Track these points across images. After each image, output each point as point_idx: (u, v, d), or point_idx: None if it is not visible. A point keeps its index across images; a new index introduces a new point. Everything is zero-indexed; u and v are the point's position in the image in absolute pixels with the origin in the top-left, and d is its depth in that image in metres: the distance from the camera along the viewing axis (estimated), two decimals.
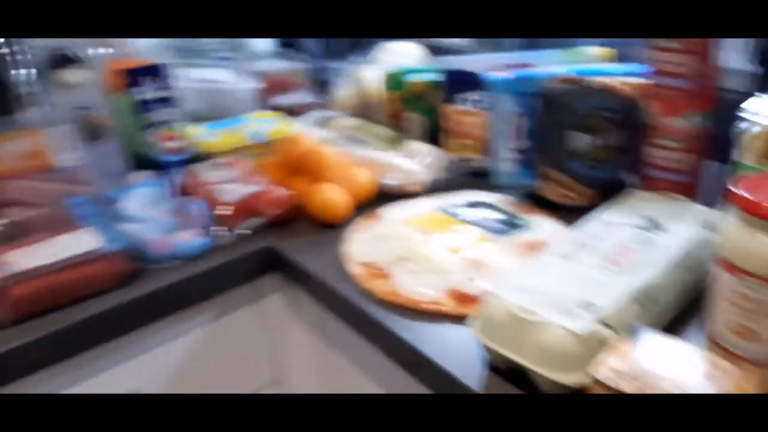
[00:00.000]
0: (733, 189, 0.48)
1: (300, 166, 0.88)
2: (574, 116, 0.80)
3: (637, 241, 0.61)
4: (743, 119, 0.58)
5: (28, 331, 0.68)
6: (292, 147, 0.90)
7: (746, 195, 0.47)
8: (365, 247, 0.76)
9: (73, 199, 0.83)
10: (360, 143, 0.98)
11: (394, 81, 1.04)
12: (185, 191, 0.88)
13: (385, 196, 0.88)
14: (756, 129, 0.55)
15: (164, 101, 0.92)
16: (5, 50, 0.80)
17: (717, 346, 0.52)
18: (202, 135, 0.99)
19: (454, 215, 0.80)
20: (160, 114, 0.92)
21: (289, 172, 0.90)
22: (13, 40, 0.80)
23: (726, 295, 0.50)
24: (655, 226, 0.63)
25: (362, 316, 0.68)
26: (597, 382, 0.46)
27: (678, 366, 0.46)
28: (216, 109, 1.08)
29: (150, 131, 0.93)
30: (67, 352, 0.71)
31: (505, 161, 0.89)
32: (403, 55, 1.19)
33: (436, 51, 1.19)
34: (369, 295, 0.69)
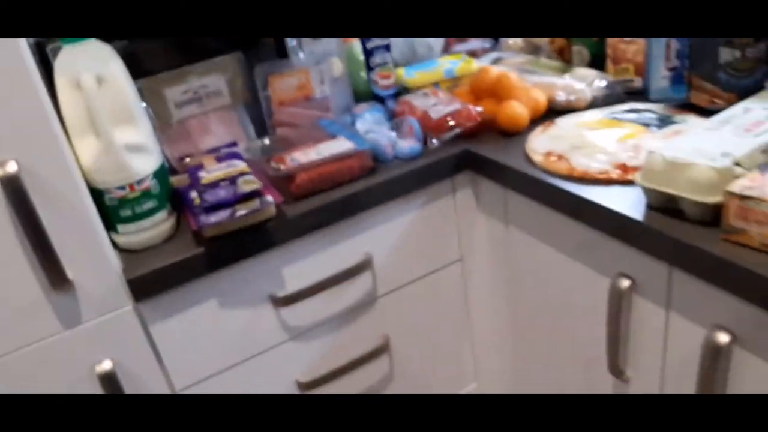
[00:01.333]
0: None
1: (488, 90, 1.13)
2: None
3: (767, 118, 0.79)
4: None
5: (307, 204, 0.99)
6: (482, 75, 1.14)
7: None
8: (545, 142, 0.99)
9: (324, 121, 1.14)
10: (532, 73, 1.21)
11: None
12: (400, 114, 1.16)
13: (557, 111, 1.11)
14: None
15: (384, 48, 1.20)
16: None
17: None
18: (405, 74, 1.27)
19: (617, 118, 1.00)
20: (380, 58, 1.21)
21: (479, 96, 1.15)
22: None
23: None
24: None
25: (547, 188, 0.91)
26: (731, 194, 0.67)
27: None
28: (413, 55, 1.36)
29: (372, 72, 1.22)
30: (331, 220, 1.01)
31: (661, 79, 1.07)
32: None
33: None
34: (551, 173, 0.92)
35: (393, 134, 1.10)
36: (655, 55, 1.07)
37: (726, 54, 0.97)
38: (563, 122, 1.04)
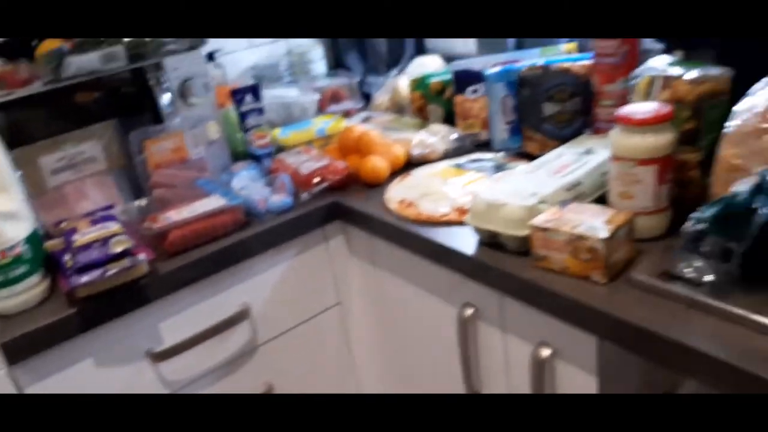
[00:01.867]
0: (617, 113, 0.80)
1: (353, 147, 1.23)
2: (543, 92, 1.12)
3: (575, 161, 0.93)
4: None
5: (182, 260, 1.04)
6: (347, 134, 1.25)
7: (623, 113, 0.79)
8: (400, 191, 1.10)
9: (201, 181, 1.21)
10: (395, 130, 1.33)
11: (419, 84, 1.39)
12: (274, 171, 1.25)
13: (415, 163, 1.23)
14: (641, 77, 0.87)
15: (257, 111, 1.30)
16: (154, 81, 1.20)
17: (613, 206, 0.83)
18: (280, 134, 1.36)
19: (462, 167, 1.13)
20: (254, 120, 1.30)
21: (346, 152, 1.25)
22: (159, 73, 1.19)
23: (614, 176, 0.81)
24: (588, 152, 0.95)
25: (400, 232, 1.02)
26: (534, 227, 0.79)
27: (583, 215, 0.78)
28: (289, 116, 1.46)
29: (247, 133, 1.30)
30: (206, 273, 1.07)
31: (501, 131, 1.22)
32: (426, 66, 1.54)
33: (449, 59, 1.54)
34: (403, 218, 1.03)
35: (266, 190, 1.18)
36: (494, 111, 1.22)
37: (549, 108, 1.13)
38: (418, 173, 1.16)
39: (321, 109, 1.54)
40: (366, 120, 1.45)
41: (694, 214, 0.65)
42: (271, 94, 1.49)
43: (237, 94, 1.28)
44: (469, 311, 0.96)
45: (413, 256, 1.03)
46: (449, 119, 1.35)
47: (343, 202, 1.15)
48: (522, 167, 1.00)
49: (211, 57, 1.47)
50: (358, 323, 1.29)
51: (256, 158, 1.31)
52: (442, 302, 1.04)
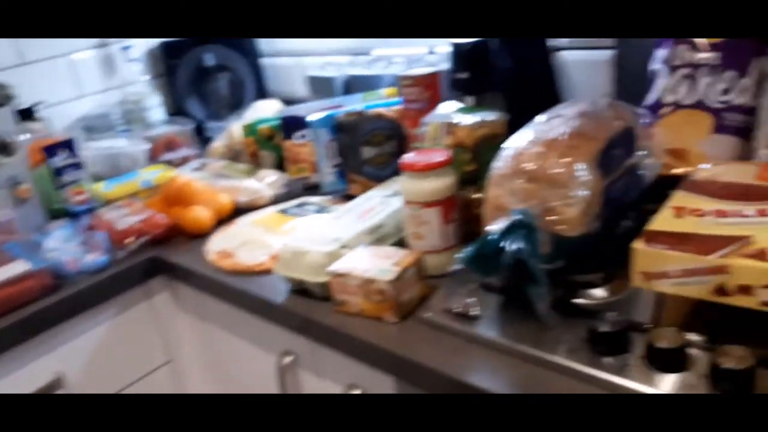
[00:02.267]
0: (402, 160, 0.84)
1: (175, 197, 1.21)
2: (361, 137, 1.16)
3: (381, 203, 0.97)
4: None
5: None
6: (169, 184, 1.22)
7: (406, 160, 0.83)
8: (221, 242, 1.08)
9: (8, 244, 1.13)
10: (225, 177, 1.32)
11: (250, 129, 1.39)
12: (92, 228, 1.19)
13: (242, 210, 1.22)
14: (430, 124, 0.92)
15: (74, 166, 1.24)
16: None
17: (410, 246, 0.86)
18: (104, 188, 1.31)
19: (285, 212, 1.14)
20: (71, 176, 1.24)
21: (170, 203, 1.22)
22: None
23: (406, 218, 0.85)
24: (395, 194, 0.99)
25: (217, 284, 1.00)
26: (330, 273, 0.80)
27: (374, 256, 0.80)
28: (116, 168, 1.41)
29: (63, 189, 1.24)
30: (12, 343, 0.99)
31: (328, 174, 1.25)
32: (263, 110, 1.55)
33: (289, 102, 1.55)
34: (222, 270, 1.01)
35: (80, 249, 1.12)
36: (320, 155, 1.24)
37: (367, 152, 1.16)
38: (242, 221, 1.15)
39: (154, 158, 1.50)
40: (200, 167, 1.42)
41: (458, 254, 0.69)
42: (97, 146, 1.43)
43: (50, 150, 1.22)
44: (288, 359, 0.95)
45: (233, 307, 1.01)
46: (281, 164, 1.36)
47: (164, 257, 1.12)
48: (334, 212, 1.02)
49: (28, 112, 1.40)
50: (192, 379, 1.24)
51: (74, 215, 1.24)
52: (263, 352, 1.03)
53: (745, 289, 0.59)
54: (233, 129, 1.49)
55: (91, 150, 1.43)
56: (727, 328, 0.64)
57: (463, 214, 0.88)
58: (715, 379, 0.58)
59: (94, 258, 1.10)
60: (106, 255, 1.11)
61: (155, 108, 1.69)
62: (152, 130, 1.60)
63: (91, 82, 1.65)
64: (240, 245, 1.05)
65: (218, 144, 1.50)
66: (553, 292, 0.74)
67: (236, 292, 0.97)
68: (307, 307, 0.86)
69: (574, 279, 0.77)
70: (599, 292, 0.75)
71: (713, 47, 0.86)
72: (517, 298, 0.73)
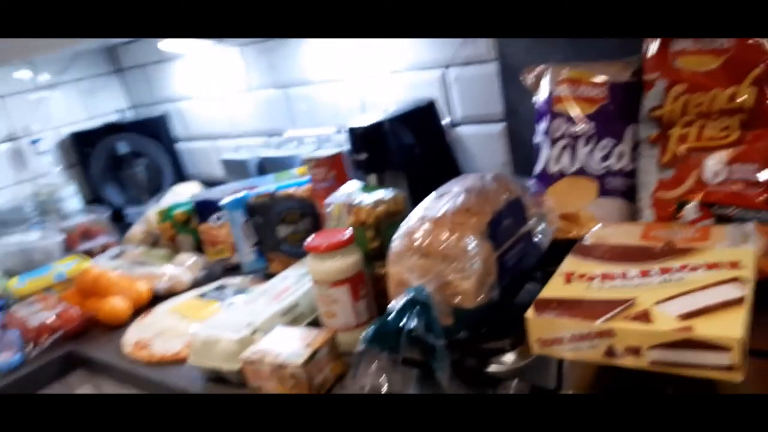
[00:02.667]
0: (306, 242, 0.86)
1: (90, 289, 1.18)
2: (275, 216, 1.18)
3: (296, 282, 0.98)
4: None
5: None
6: (83, 276, 1.20)
7: (310, 243, 0.85)
8: (137, 332, 1.07)
9: None
10: (143, 264, 1.31)
11: (165, 214, 1.39)
12: (4, 326, 1.15)
13: (161, 297, 1.20)
14: (333, 204, 0.95)
15: None
16: None
17: (324, 325, 0.87)
18: (16, 284, 1.27)
19: (204, 297, 1.13)
20: None
21: (86, 295, 1.20)
22: None
23: (317, 297, 0.86)
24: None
25: (132, 377, 0.98)
26: (243, 361, 0.80)
27: (287, 339, 0.81)
28: (29, 262, 1.37)
29: None
30: None
31: (247, 254, 1.25)
32: (181, 193, 1.55)
33: (210, 184, 1.57)
34: (137, 361, 0.99)
35: None
36: (237, 236, 1.25)
37: (283, 230, 1.18)
38: (159, 309, 1.14)
39: (71, 248, 1.47)
40: (118, 255, 1.40)
41: (363, 334, 0.71)
42: (8, 242, 1.40)
43: None
44: None
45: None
46: (200, 247, 1.35)
47: (80, 351, 1.09)
48: (248, 295, 1.02)
49: None
50: None
51: None
52: None
53: (634, 351, 0.62)
54: (150, 214, 1.48)
55: (2, 246, 1.40)
56: (628, 388, 0.67)
57: (375, 289, 0.90)
58: None
59: (7, 357, 1.06)
60: (19, 353, 1.07)
61: (71, 197, 1.67)
62: (68, 220, 1.57)
63: (1, 176, 1.62)
64: (156, 335, 1.03)
65: (136, 230, 1.49)
66: (462, 361, 0.76)
67: (153, 384, 0.95)
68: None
69: (484, 347, 0.80)
70: (509, 358, 0.78)
71: (587, 118, 0.93)
72: (429, 372, 0.75)
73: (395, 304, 0.70)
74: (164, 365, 0.97)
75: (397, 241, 0.76)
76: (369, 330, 0.69)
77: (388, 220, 0.89)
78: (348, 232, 0.85)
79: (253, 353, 0.81)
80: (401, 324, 0.67)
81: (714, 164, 0.86)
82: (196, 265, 1.28)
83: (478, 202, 0.75)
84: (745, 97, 0.81)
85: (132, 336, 1.06)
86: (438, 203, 0.77)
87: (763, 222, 0.84)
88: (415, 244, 0.73)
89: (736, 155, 0.85)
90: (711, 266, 0.70)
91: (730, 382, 0.58)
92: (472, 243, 0.72)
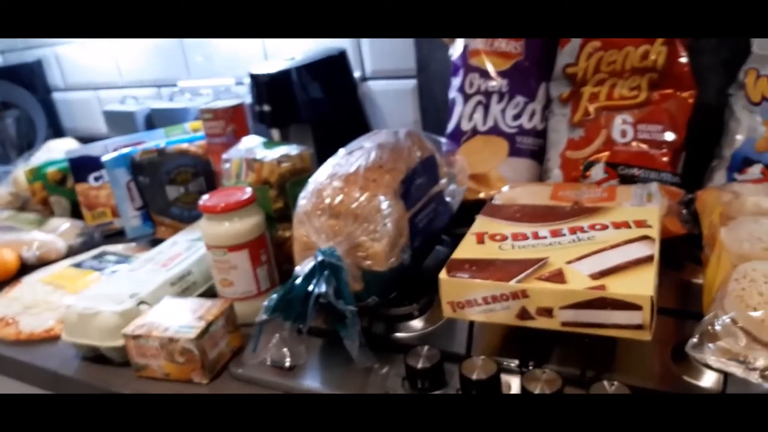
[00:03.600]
0: (201, 202, 0.77)
1: None
2: (164, 175, 1.07)
3: (186, 249, 0.89)
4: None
5: None
6: None
7: (205, 202, 0.77)
8: (2, 307, 0.93)
9: None
10: (9, 230, 1.15)
11: (36, 173, 1.23)
12: None
13: (31, 267, 1.07)
14: (232, 160, 0.87)
15: None
16: None
17: (219, 294, 0.79)
18: None
19: (80, 266, 1.01)
20: None
21: None
22: None
23: (212, 264, 0.78)
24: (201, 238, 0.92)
25: None
26: (126, 336, 0.71)
27: (177, 311, 0.73)
28: None
29: None
30: None
31: (131, 219, 1.13)
32: (56, 150, 1.39)
33: (86, 140, 1.41)
34: (1, 340, 0.87)
35: None
36: (120, 198, 1.13)
37: (172, 191, 1.08)
38: (29, 279, 1.01)
39: None
40: None
41: (264, 302, 0.65)
42: None
43: None
44: None
45: (23, 384, 0.87)
46: (77, 211, 1.21)
47: None
48: (132, 262, 0.92)
49: None
50: None
51: None
52: None
53: (546, 311, 0.60)
54: (18, 174, 1.31)
55: None
56: (539, 350, 0.65)
57: (277, 254, 0.83)
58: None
59: None
60: None
61: None
62: None
63: None
64: (24, 310, 0.91)
65: (1, 192, 1.32)
66: (370, 328, 0.72)
67: (20, 366, 0.83)
68: (103, 376, 0.76)
69: (392, 312, 0.75)
70: (417, 324, 0.75)
71: (501, 74, 0.90)
72: (335, 342, 0.70)
73: (302, 268, 0.64)
74: (33, 344, 0.85)
75: (304, 201, 0.69)
76: (272, 297, 0.63)
77: (293, 179, 0.82)
78: (248, 191, 0.77)
79: (137, 327, 0.72)
80: (309, 289, 0.61)
81: (622, 124, 0.86)
82: (72, 231, 1.14)
83: (391, 158, 0.70)
84: (657, 55, 0.81)
85: None
86: (349, 159, 0.71)
87: (666, 182, 0.85)
88: (325, 202, 0.67)
89: (643, 116, 0.85)
90: (619, 225, 0.69)
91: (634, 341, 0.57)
92: (384, 202, 0.67)
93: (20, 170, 1.31)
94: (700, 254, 0.79)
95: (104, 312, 0.75)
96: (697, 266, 0.79)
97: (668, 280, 0.74)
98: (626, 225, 0.69)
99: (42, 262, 1.08)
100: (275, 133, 1.00)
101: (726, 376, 0.56)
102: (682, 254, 0.80)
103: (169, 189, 1.07)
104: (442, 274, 0.63)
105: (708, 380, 0.60)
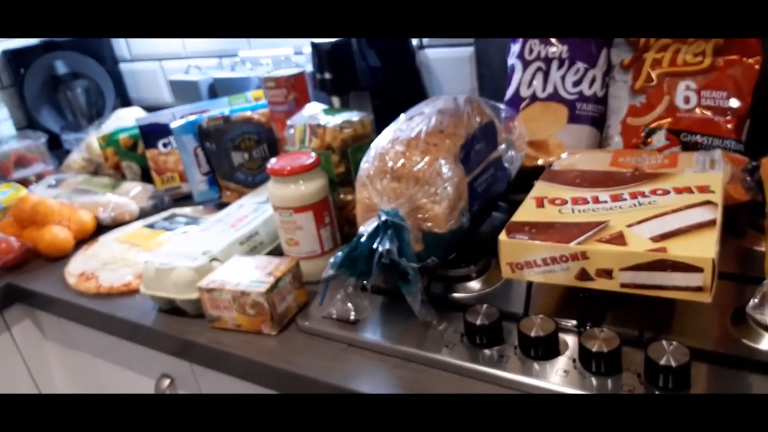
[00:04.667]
0: (269, 164, 0.81)
1: (29, 218, 1.10)
2: (229, 142, 1.11)
3: (253, 211, 0.93)
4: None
5: None
6: (21, 205, 1.11)
7: (273, 165, 0.80)
8: (81, 263, 1.00)
9: None
10: (85, 193, 1.22)
11: (109, 140, 1.30)
12: None
13: (105, 227, 1.14)
14: (296, 126, 0.90)
15: None
16: None
17: (286, 253, 0.83)
18: None
19: (153, 227, 1.07)
20: None
21: (23, 225, 1.11)
22: None
23: (279, 225, 0.82)
24: (267, 201, 0.96)
25: (79, 310, 0.92)
26: (201, 289, 0.76)
27: (246, 268, 0.77)
28: None
29: None
30: None
31: (198, 183, 1.19)
32: (124, 118, 1.46)
33: (152, 109, 1.47)
34: (83, 293, 0.93)
35: None
36: (188, 163, 1.18)
37: (237, 157, 1.12)
38: (105, 239, 1.07)
39: (4, 177, 1.37)
40: (56, 183, 1.31)
41: (330, 259, 0.68)
42: None
43: None
44: (166, 382, 0.90)
45: (104, 334, 0.94)
46: (147, 175, 1.28)
47: (19, 283, 1.02)
48: (202, 223, 0.97)
49: None
50: None
51: None
52: (139, 376, 0.96)
53: (606, 273, 0.62)
54: (92, 140, 1.38)
55: None
56: (597, 312, 0.67)
57: (339, 216, 0.87)
58: (585, 362, 0.60)
59: None
60: None
61: (4, 122, 1.54)
62: (0, 146, 1.45)
63: None
64: (103, 266, 0.97)
65: (76, 157, 1.40)
66: (429, 288, 0.74)
67: (101, 317, 0.89)
68: (179, 326, 0.81)
69: (450, 273, 0.78)
70: (475, 285, 0.77)
71: (561, 41, 0.90)
72: (395, 299, 0.73)
73: (366, 227, 0.67)
74: (112, 297, 0.91)
75: (366, 164, 0.72)
76: (337, 255, 0.66)
77: (354, 144, 0.84)
78: (313, 156, 0.81)
79: (210, 281, 0.76)
80: (373, 248, 0.64)
81: (685, 90, 0.85)
82: (143, 194, 1.20)
83: (451, 123, 0.72)
84: None
85: (76, 267, 1.00)
86: (410, 125, 0.73)
87: (729, 149, 0.84)
88: (387, 166, 0.69)
89: (708, 82, 0.84)
90: (681, 190, 0.69)
91: (692, 302, 0.58)
92: (445, 166, 0.69)
93: (93, 137, 1.38)
94: (762, 222, 0.78)
95: (180, 267, 0.80)
96: (759, 234, 0.78)
97: (729, 247, 0.74)
98: (688, 190, 0.69)
99: (116, 223, 1.14)
100: (335, 101, 1.03)
101: None
102: (744, 221, 0.80)
103: (234, 155, 1.12)
104: (502, 236, 0.65)
105: (767, 343, 0.60)
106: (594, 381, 0.59)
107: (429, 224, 0.70)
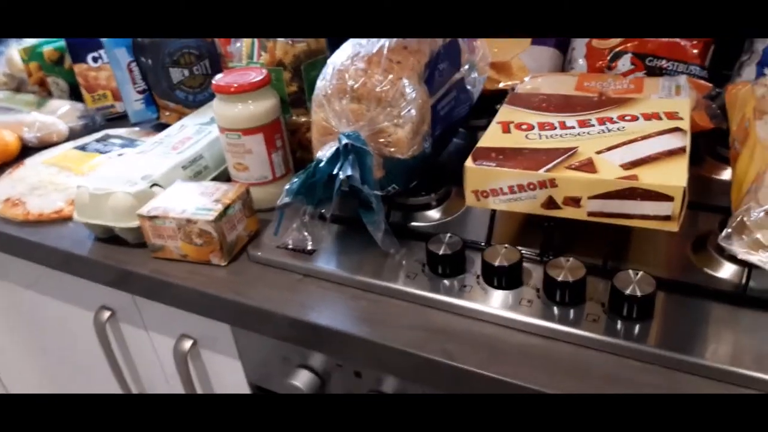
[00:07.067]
0: (214, 82, 0.74)
1: None
2: (166, 57, 1.02)
3: (196, 132, 0.86)
4: None
5: None
6: None
7: (218, 81, 0.73)
8: (7, 187, 0.91)
9: None
10: (8, 111, 1.11)
11: (31, 53, 1.18)
12: None
13: (31, 149, 1.04)
14: (243, 41, 0.82)
15: None
16: None
17: (234, 179, 0.78)
18: None
19: (84, 149, 0.99)
20: None
21: None
22: None
23: (226, 148, 0.76)
24: (213, 121, 0.89)
25: (6, 238, 0.85)
26: (142, 216, 0.70)
27: (191, 194, 0.72)
28: None
29: None
30: None
31: (133, 102, 1.10)
32: None
33: None
34: (9, 220, 0.86)
35: None
36: (122, 80, 1.08)
37: (176, 74, 1.03)
38: (31, 161, 0.98)
39: None
40: None
41: (286, 186, 0.63)
42: None
43: None
44: (106, 314, 0.85)
45: (35, 264, 0.87)
46: (77, 93, 1.17)
47: None
48: (141, 145, 0.89)
49: None
50: (5, 347, 1.09)
51: None
52: (76, 308, 0.91)
53: (574, 201, 0.60)
54: (13, 53, 1.25)
55: None
56: (560, 241, 0.65)
57: (291, 140, 0.81)
58: (549, 291, 0.59)
59: None
60: None
61: None
62: None
63: None
64: (30, 190, 0.89)
65: None
66: (388, 217, 0.71)
67: (31, 246, 0.83)
68: (118, 256, 0.76)
69: (409, 202, 0.75)
70: (434, 214, 0.74)
71: None
72: (352, 227, 0.69)
73: (325, 152, 0.62)
74: (43, 224, 0.84)
75: (323, 82, 0.66)
76: (294, 181, 0.62)
77: (308, 60, 0.78)
78: (263, 72, 0.74)
79: (152, 208, 0.71)
80: (333, 173, 0.60)
81: None
82: (72, 113, 1.11)
83: (416, 39, 0.66)
84: None
85: (1, 192, 0.91)
86: (370, 39, 0.67)
87: (694, 75, 0.83)
88: (347, 84, 0.64)
89: None
90: (649, 117, 0.67)
91: (650, 231, 0.57)
92: (409, 87, 0.64)
93: (14, 50, 1.25)
94: (722, 151, 0.78)
95: (117, 193, 0.73)
96: (717, 162, 0.78)
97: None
98: (657, 116, 0.67)
99: (43, 144, 1.05)
100: None
101: (750, 269, 0.57)
102: (704, 150, 0.79)
103: (172, 71, 1.03)
104: (468, 162, 0.62)
105: (727, 272, 0.60)
106: (557, 310, 0.58)
107: (391, 149, 0.66)
